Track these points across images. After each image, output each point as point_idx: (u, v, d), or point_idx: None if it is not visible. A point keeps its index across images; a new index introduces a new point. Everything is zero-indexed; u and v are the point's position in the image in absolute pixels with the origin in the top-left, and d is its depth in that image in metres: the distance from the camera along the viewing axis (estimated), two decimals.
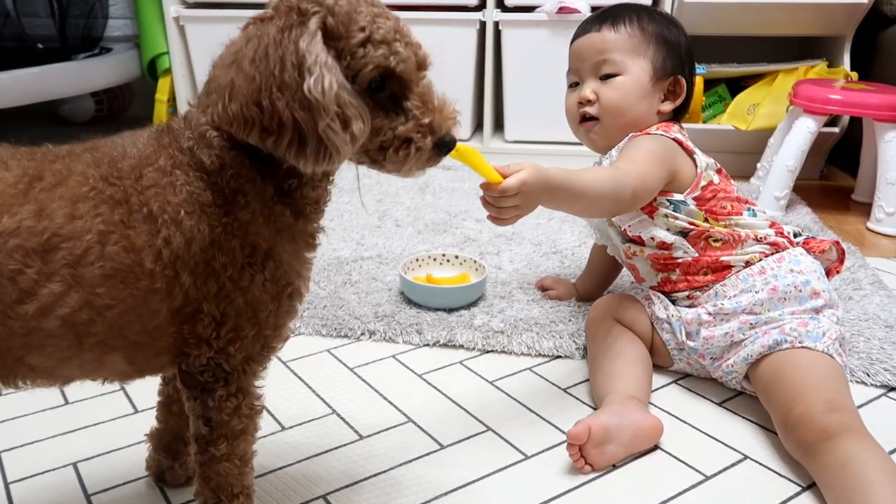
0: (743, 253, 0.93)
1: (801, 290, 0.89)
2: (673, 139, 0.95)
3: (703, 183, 0.95)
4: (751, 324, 0.89)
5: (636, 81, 0.97)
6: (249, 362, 0.61)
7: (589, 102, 0.98)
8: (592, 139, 1.01)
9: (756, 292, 0.90)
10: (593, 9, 1.86)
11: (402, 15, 2.19)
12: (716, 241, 0.94)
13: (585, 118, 1.00)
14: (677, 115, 1.03)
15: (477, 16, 1.94)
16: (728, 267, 0.93)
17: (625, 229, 0.98)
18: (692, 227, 0.94)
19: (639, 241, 0.98)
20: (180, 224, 0.55)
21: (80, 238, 0.52)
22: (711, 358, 0.93)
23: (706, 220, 0.95)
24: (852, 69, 1.83)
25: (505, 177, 0.79)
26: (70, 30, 2.24)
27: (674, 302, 0.97)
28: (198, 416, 0.61)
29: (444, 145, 0.61)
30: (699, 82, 1.89)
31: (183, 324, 0.58)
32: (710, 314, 0.92)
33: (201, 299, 0.57)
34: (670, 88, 1.00)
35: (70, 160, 0.55)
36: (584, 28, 1.02)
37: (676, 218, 0.94)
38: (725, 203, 0.95)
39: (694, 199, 0.94)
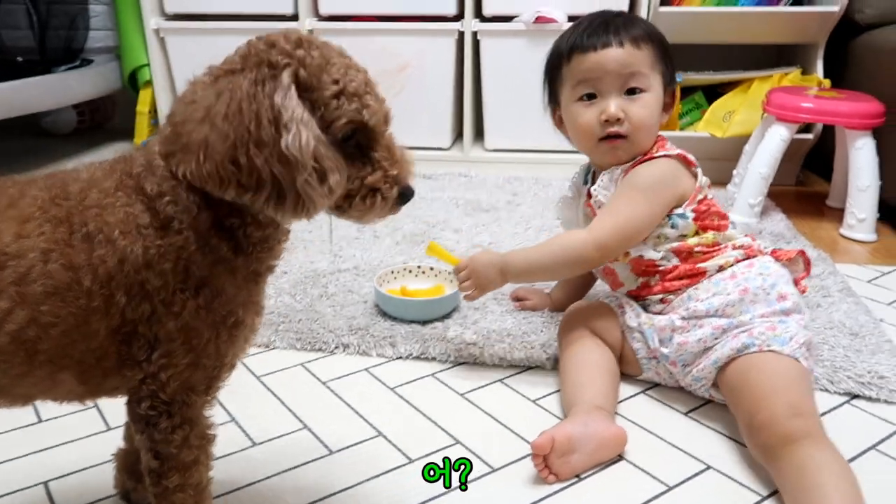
0: (719, 259, 0.95)
1: (768, 293, 0.91)
2: (676, 156, 0.97)
3: (699, 196, 0.96)
4: (723, 328, 0.90)
5: (657, 97, 0.97)
6: (188, 392, 0.60)
7: (617, 121, 0.95)
8: (618, 156, 0.98)
9: (728, 294, 0.92)
10: (570, 18, 1.88)
11: (382, 25, 2.20)
12: (698, 251, 0.96)
13: (611, 136, 0.97)
14: None
15: (455, 26, 1.95)
16: (702, 272, 0.95)
17: None
18: (681, 241, 0.96)
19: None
20: (114, 244, 0.55)
21: (26, 256, 0.53)
22: (683, 365, 0.95)
23: (696, 232, 0.96)
24: (825, 76, 1.86)
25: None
26: (50, 42, 2.24)
27: (646, 308, 0.99)
28: (147, 449, 0.61)
29: (407, 196, 0.63)
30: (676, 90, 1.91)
31: (121, 344, 0.58)
32: (683, 319, 0.93)
33: (136, 321, 0.57)
34: (667, 101, 1.01)
35: (26, 185, 0.57)
36: (600, 40, 0.96)
37: (667, 239, 0.96)
38: (714, 217, 0.97)
39: (693, 210, 0.96)
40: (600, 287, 1.19)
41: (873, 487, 0.78)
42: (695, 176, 0.97)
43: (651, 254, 0.96)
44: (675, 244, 0.96)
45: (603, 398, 0.91)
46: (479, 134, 2.15)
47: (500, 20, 1.94)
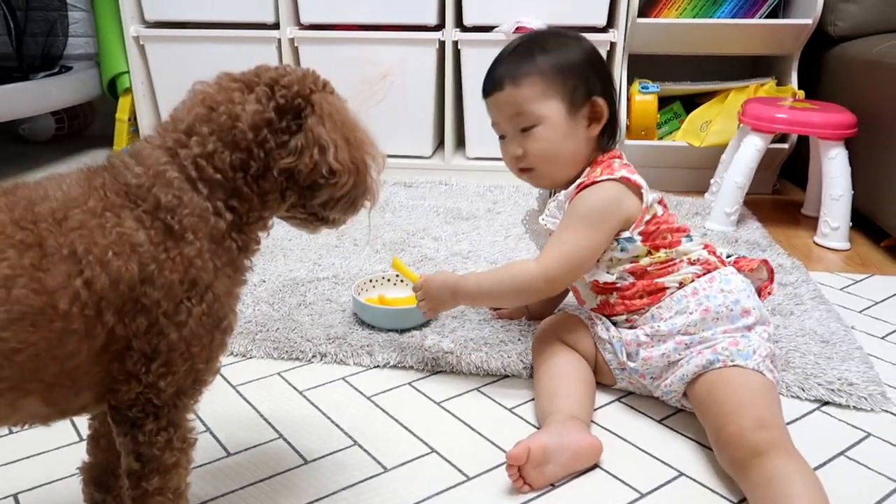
0: (677, 275, 0.95)
1: (731, 310, 0.92)
2: (619, 179, 0.95)
3: (647, 217, 0.96)
4: (686, 344, 0.91)
5: (555, 125, 0.97)
6: (181, 396, 0.62)
7: (518, 158, 0.99)
8: (539, 183, 1.04)
9: (690, 313, 0.92)
10: (550, 28, 1.89)
11: (364, 35, 2.21)
12: (652, 267, 0.96)
13: (522, 169, 1.01)
14: (611, 133, 1.01)
15: (436, 35, 1.97)
16: (663, 289, 0.95)
17: None
18: (633, 263, 0.96)
19: None
20: (107, 265, 0.56)
21: None
22: (651, 377, 0.96)
23: (648, 252, 0.96)
24: (800, 87, 1.89)
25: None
26: (28, 48, 2.22)
27: (615, 324, 1.00)
28: (129, 451, 0.61)
29: None
30: (653, 100, 1.94)
31: (111, 362, 0.58)
32: (647, 335, 0.94)
33: (130, 336, 0.58)
34: (591, 113, 0.98)
35: None
36: (493, 85, 1.00)
37: (620, 261, 0.96)
38: (667, 234, 0.97)
39: (640, 233, 0.95)
40: (573, 298, 1.20)
41: (842, 493, 0.80)
42: (640, 197, 0.96)
43: (605, 276, 0.97)
44: (627, 265, 0.96)
45: (578, 408, 0.91)
46: (460, 142, 2.16)
47: (480, 30, 1.96)
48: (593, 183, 0.96)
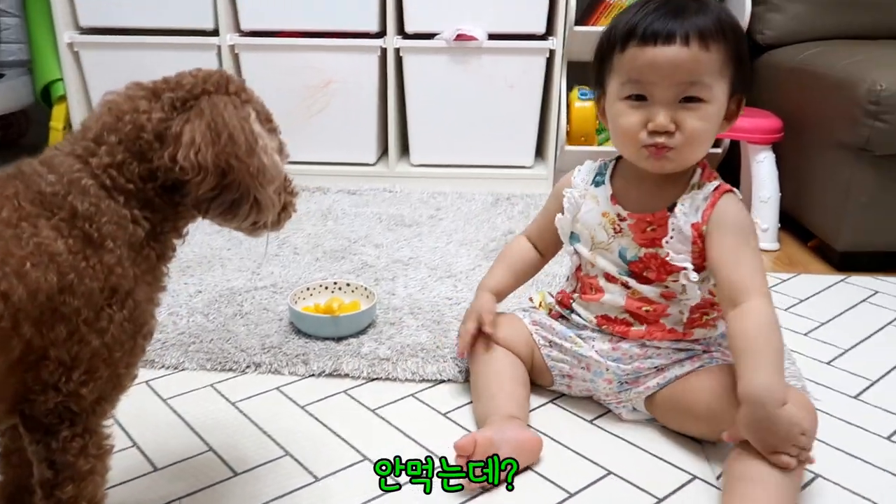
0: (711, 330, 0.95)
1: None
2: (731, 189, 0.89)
3: None
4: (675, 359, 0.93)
5: (720, 109, 0.84)
6: (101, 402, 0.62)
7: (667, 134, 0.83)
8: (662, 166, 0.86)
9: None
10: (491, 36, 1.92)
11: (306, 42, 2.18)
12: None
13: (657, 145, 0.84)
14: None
15: (378, 42, 1.97)
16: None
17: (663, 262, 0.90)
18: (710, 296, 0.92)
19: (646, 281, 0.92)
20: (25, 276, 0.55)
21: None
22: (620, 382, 0.95)
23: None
24: None
25: None
26: None
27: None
28: (41, 459, 0.60)
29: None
30: (592, 106, 1.97)
31: (25, 372, 0.57)
32: (640, 349, 0.94)
33: (47, 346, 0.57)
34: (734, 109, 0.87)
35: None
36: (668, 36, 0.81)
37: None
38: None
39: None
40: (514, 301, 1.21)
41: None
42: None
43: (696, 293, 0.90)
44: (706, 295, 0.91)
45: (516, 408, 0.92)
46: (405, 149, 2.17)
47: (422, 37, 1.96)
48: (729, 191, 0.88)
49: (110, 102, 0.63)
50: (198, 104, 0.63)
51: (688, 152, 0.85)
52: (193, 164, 0.61)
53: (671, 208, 0.89)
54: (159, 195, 0.63)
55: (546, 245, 1.05)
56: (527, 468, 0.87)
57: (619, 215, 0.92)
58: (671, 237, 0.88)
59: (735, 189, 0.89)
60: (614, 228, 0.93)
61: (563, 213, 0.98)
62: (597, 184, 0.96)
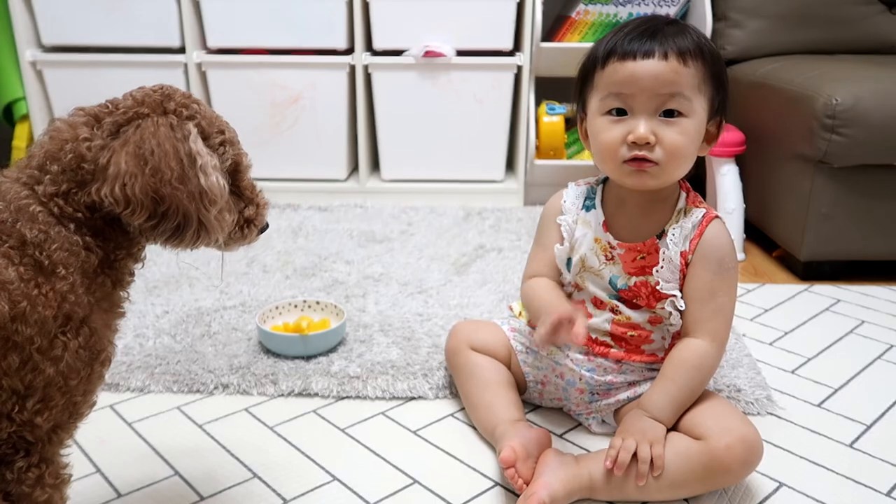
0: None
1: None
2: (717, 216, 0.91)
3: None
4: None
5: (698, 126, 0.84)
6: (57, 431, 0.61)
7: (648, 146, 0.83)
8: (644, 181, 0.86)
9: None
10: (459, 52, 1.93)
11: (273, 59, 2.17)
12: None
13: (638, 158, 0.84)
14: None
15: (347, 59, 1.97)
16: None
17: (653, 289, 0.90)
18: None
19: (634, 306, 0.93)
20: None
21: None
22: (591, 392, 0.96)
23: None
24: None
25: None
26: None
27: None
28: None
29: (265, 228, 0.75)
30: (560, 121, 2.00)
31: None
32: (615, 364, 0.95)
33: (0, 376, 0.56)
34: (713, 131, 0.89)
35: None
36: (648, 51, 0.83)
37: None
38: None
39: None
40: (494, 312, 1.22)
41: (729, 494, 0.83)
42: None
43: (677, 321, 0.92)
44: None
45: (516, 410, 0.95)
46: (375, 165, 2.17)
47: (390, 54, 1.97)
48: (714, 217, 0.89)
49: (54, 130, 0.62)
50: (125, 131, 0.61)
51: (669, 168, 0.85)
52: (119, 197, 0.59)
53: (660, 236, 0.90)
54: (108, 224, 0.62)
55: (557, 275, 0.99)
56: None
57: (609, 244, 0.93)
58: (662, 267, 0.90)
59: (720, 216, 0.91)
60: (606, 256, 0.93)
61: (562, 243, 0.96)
62: (587, 208, 0.96)
